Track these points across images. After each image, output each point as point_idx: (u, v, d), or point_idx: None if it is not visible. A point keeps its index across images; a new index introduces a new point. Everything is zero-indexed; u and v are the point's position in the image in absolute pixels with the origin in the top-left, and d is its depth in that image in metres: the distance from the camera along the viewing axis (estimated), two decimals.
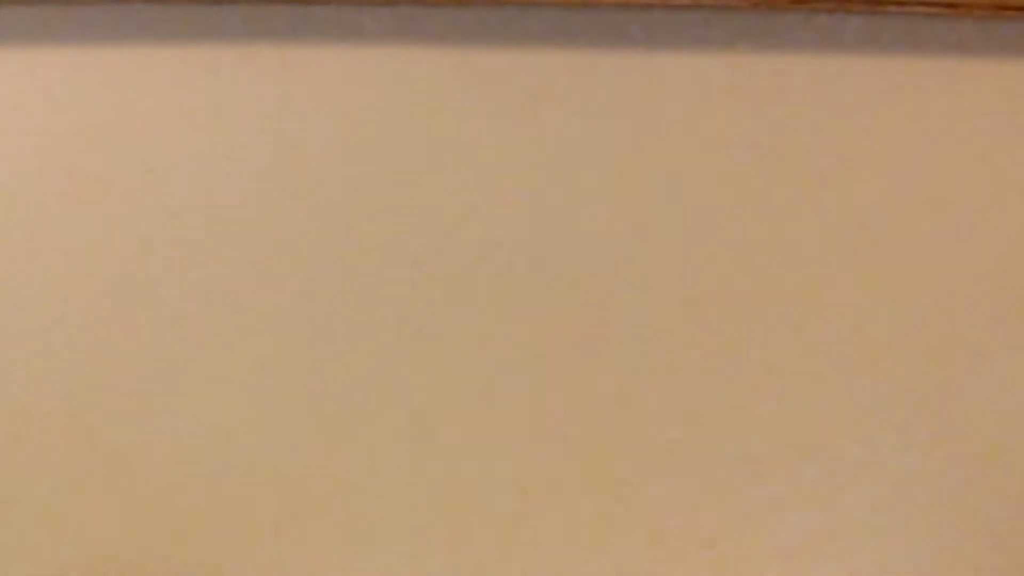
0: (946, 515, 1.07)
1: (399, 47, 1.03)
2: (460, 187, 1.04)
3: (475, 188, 1.04)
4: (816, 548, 1.07)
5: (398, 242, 1.04)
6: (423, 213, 1.04)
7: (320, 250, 1.04)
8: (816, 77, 1.04)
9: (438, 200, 1.04)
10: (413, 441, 1.06)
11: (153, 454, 1.05)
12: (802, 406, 1.06)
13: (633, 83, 1.03)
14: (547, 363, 1.05)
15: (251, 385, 1.05)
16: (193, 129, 1.03)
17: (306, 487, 1.06)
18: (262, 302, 1.04)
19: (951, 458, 1.07)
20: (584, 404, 1.06)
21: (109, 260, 1.04)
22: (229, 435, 1.05)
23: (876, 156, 1.05)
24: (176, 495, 1.05)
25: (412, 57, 1.03)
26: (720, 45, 1.03)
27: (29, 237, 1.03)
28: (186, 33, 1.02)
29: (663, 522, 1.07)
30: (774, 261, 1.05)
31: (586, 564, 1.07)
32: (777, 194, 1.05)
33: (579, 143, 1.04)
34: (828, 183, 1.05)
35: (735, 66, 1.03)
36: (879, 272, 1.05)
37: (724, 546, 1.07)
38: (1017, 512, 1.07)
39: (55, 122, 1.02)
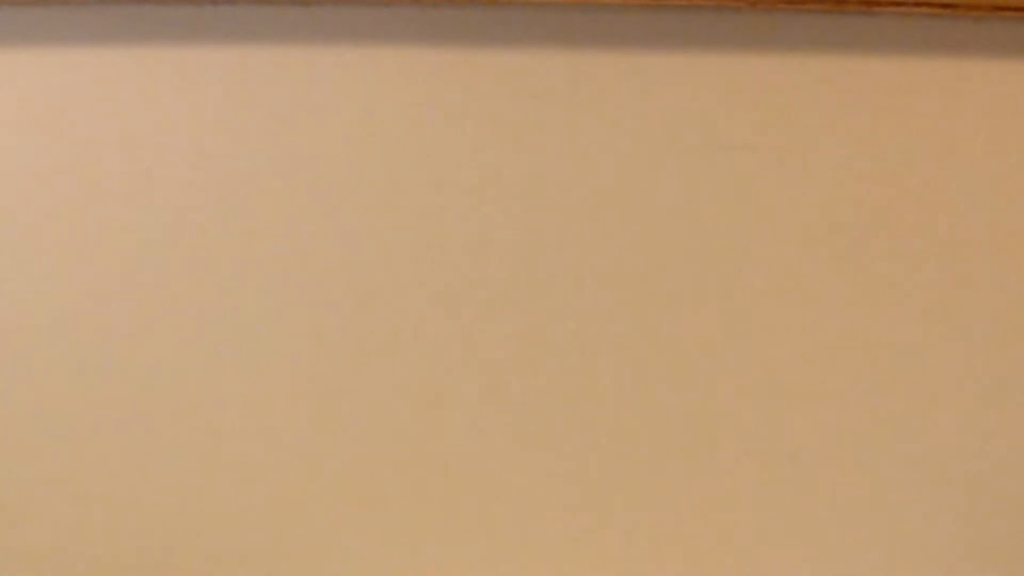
0: (945, 515, 1.07)
1: (399, 47, 1.03)
2: (460, 187, 1.04)
3: (475, 188, 1.04)
4: (816, 548, 1.07)
5: (397, 242, 1.04)
6: (423, 213, 1.04)
7: (320, 250, 1.04)
8: (815, 77, 1.04)
9: (438, 200, 1.04)
10: (413, 441, 1.06)
11: (153, 455, 1.05)
12: (802, 406, 1.06)
13: (633, 83, 1.04)
14: (548, 363, 1.05)
15: (249, 384, 1.05)
16: (193, 129, 1.03)
17: (305, 487, 1.06)
18: (262, 301, 1.04)
19: (951, 458, 1.07)
20: (584, 404, 1.06)
21: (109, 260, 1.03)
22: (229, 435, 1.05)
23: (875, 156, 1.05)
24: (176, 496, 1.05)
25: (412, 57, 1.03)
26: (720, 45, 1.03)
27: (29, 237, 1.03)
28: (186, 33, 1.02)
29: (663, 522, 1.07)
30: (774, 261, 1.05)
31: (585, 564, 1.07)
32: (776, 194, 1.05)
33: (579, 143, 1.04)
34: (827, 183, 1.05)
35: (735, 66, 1.03)
36: (879, 272, 1.06)
37: (722, 546, 1.07)
38: (1017, 512, 1.07)
39: (55, 122, 1.02)
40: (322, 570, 1.06)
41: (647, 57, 1.03)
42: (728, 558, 1.07)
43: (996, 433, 1.07)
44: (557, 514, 1.07)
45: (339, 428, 1.05)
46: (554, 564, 1.07)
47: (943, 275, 1.05)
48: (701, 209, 1.05)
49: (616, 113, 1.04)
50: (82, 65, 1.02)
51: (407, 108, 1.03)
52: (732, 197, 1.05)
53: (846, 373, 1.06)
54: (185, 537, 1.05)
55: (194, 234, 1.04)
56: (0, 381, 1.04)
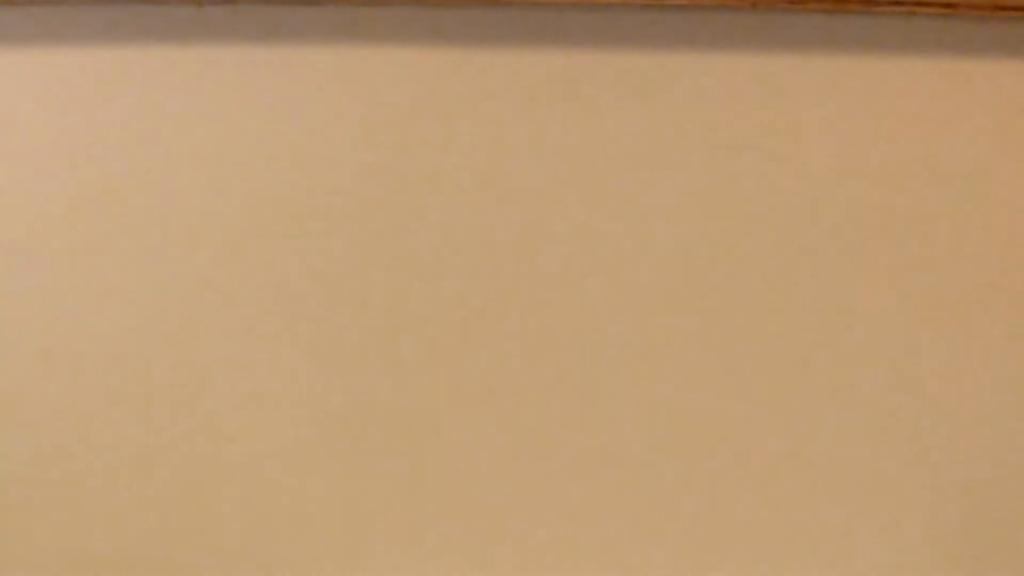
0: (944, 515, 1.07)
1: (399, 47, 1.03)
2: (460, 187, 1.04)
3: (475, 188, 1.04)
4: (813, 548, 1.07)
5: (398, 242, 1.04)
6: (423, 213, 1.04)
7: (319, 249, 1.04)
8: (815, 77, 1.04)
9: (438, 200, 1.04)
10: (413, 441, 1.06)
11: (153, 454, 1.05)
12: (802, 406, 1.06)
13: (633, 83, 1.04)
14: (549, 362, 1.05)
15: (250, 383, 1.05)
16: (193, 129, 1.03)
17: (305, 487, 1.06)
18: (262, 300, 1.04)
19: (949, 459, 1.07)
20: (584, 404, 1.06)
21: (109, 260, 1.03)
22: (229, 434, 1.05)
23: (875, 156, 1.05)
24: (176, 496, 1.05)
25: (412, 57, 1.03)
26: (720, 45, 1.03)
27: (29, 237, 1.03)
28: (186, 33, 1.02)
29: (662, 521, 1.07)
30: (774, 260, 1.05)
31: (585, 563, 1.07)
32: (776, 194, 1.05)
33: (579, 143, 1.04)
34: (827, 183, 1.05)
35: (735, 66, 1.03)
36: (878, 272, 1.06)
37: (723, 547, 1.07)
38: (1015, 512, 1.07)
39: (55, 122, 1.02)
40: (322, 570, 1.06)
41: (647, 57, 1.03)
42: (729, 559, 1.07)
43: (997, 434, 1.07)
44: (556, 515, 1.07)
45: (339, 427, 1.05)
46: (554, 564, 1.07)
47: (943, 275, 1.05)
48: (701, 209, 1.05)
49: (616, 113, 1.04)
50: (82, 65, 1.02)
51: (407, 108, 1.03)
52: (732, 197, 1.05)
53: (846, 372, 1.06)
54: (185, 537, 1.05)
55: (194, 234, 1.04)
56: (0, 380, 1.04)
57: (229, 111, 1.03)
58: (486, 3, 1.02)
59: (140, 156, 1.03)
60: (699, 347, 1.06)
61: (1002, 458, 1.07)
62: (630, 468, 1.06)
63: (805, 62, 1.04)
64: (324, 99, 1.03)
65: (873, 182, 1.05)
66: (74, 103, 1.02)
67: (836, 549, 1.07)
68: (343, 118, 1.03)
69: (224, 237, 1.04)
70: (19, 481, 1.05)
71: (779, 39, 1.03)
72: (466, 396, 1.06)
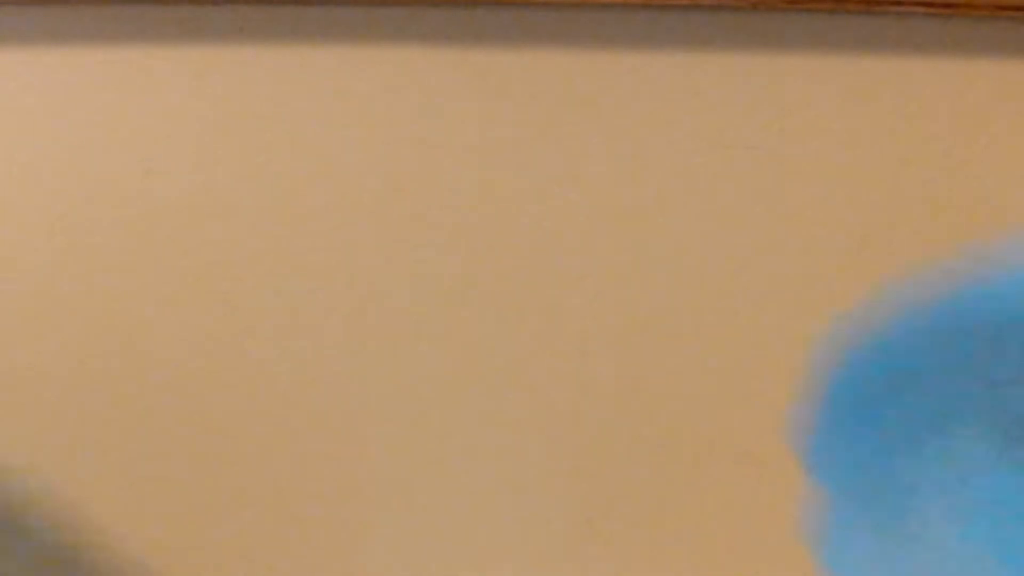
0: None
1: (399, 47, 1.03)
2: (459, 187, 1.04)
3: (475, 188, 1.04)
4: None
5: (397, 242, 1.04)
6: (423, 213, 1.04)
7: (320, 250, 1.04)
8: (815, 77, 1.04)
9: (438, 200, 1.04)
10: (413, 441, 1.06)
11: (152, 454, 1.05)
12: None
13: (633, 83, 1.04)
14: (548, 362, 1.05)
15: (248, 385, 1.05)
16: (193, 129, 1.03)
17: (304, 487, 1.06)
18: (260, 301, 1.04)
19: None
20: (584, 403, 1.06)
21: (108, 260, 1.03)
22: (228, 434, 1.05)
23: (875, 156, 1.05)
24: (176, 495, 1.05)
25: (412, 57, 1.03)
26: (720, 45, 1.03)
27: (28, 237, 1.03)
28: (186, 33, 1.02)
29: (662, 520, 1.07)
30: (774, 261, 1.05)
31: (585, 563, 1.07)
32: (776, 194, 1.05)
33: (579, 143, 1.04)
34: (827, 183, 1.05)
35: (735, 66, 1.03)
36: (878, 272, 1.06)
37: (722, 545, 1.08)
38: None
39: (55, 122, 1.02)
40: (322, 569, 1.06)
41: (647, 57, 1.03)
42: (729, 559, 1.08)
43: None
44: (556, 514, 1.07)
45: (338, 428, 1.06)
46: (555, 563, 1.07)
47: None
48: (701, 209, 1.05)
49: (616, 113, 1.04)
50: (82, 65, 1.02)
51: (407, 108, 1.03)
52: (732, 197, 1.05)
53: None
54: (185, 537, 1.06)
55: (193, 234, 1.04)
56: None
57: (229, 111, 1.03)
58: (486, 3, 1.02)
59: (140, 156, 1.03)
60: (699, 347, 1.06)
61: None
62: (629, 468, 1.07)
63: (805, 62, 1.04)
64: (324, 99, 1.03)
65: (873, 182, 1.05)
66: (74, 103, 1.02)
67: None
68: (343, 118, 1.03)
69: (223, 237, 1.04)
70: (22, 481, 1.05)
71: (779, 39, 1.03)
72: (464, 396, 1.06)
